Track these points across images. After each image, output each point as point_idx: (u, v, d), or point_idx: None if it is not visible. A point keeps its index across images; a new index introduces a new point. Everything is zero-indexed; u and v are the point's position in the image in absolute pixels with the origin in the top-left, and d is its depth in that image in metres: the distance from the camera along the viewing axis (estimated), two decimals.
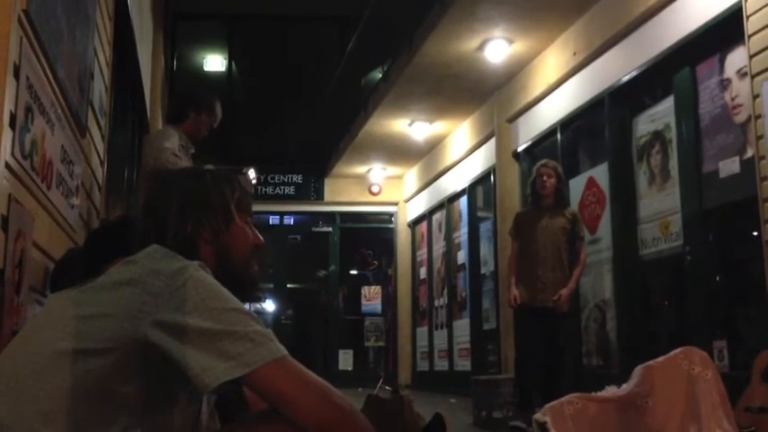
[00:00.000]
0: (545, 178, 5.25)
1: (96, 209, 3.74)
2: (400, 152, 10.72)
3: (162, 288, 1.23)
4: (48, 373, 1.21)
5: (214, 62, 13.80)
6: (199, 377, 1.18)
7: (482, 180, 9.35)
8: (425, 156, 10.94)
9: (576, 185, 6.77)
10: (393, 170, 11.87)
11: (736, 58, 4.76)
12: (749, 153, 4.60)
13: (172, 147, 3.76)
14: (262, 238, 1.53)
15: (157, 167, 3.69)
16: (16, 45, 2.02)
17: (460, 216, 10.19)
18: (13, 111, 2.00)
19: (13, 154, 2.02)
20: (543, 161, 5.57)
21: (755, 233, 4.44)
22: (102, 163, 3.91)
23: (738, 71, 4.74)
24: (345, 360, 12.17)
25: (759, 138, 4.27)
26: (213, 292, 1.25)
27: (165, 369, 1.21)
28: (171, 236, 1.40)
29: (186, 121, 3.99)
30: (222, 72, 13.57)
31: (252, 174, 4.01)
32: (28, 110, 2.15)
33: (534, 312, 5.18)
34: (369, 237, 13.14)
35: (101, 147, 3.85)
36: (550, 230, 5.20)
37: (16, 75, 2.02)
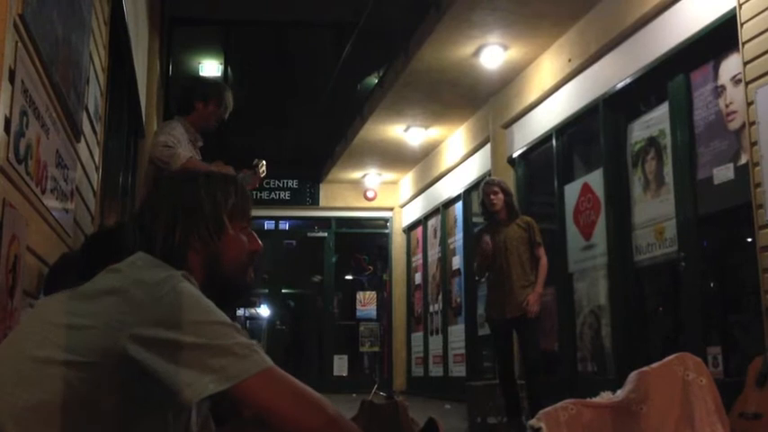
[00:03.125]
0: (492, 197, 5.49)
1: (91, 213, 3.73)
2: (396, 157, 10.73)
3: (143, 299, 1.21)
4: (27, 381, 1.19)
5: (210, 67, 13.79)
6: (182, 392, 1.17)
7: (477, 186, 9.35)
8: (421, 161, 10.95)
9: (571, 191, 6.79)
10: (388, 175, 11.88)
11: (731, 65, 4.78)
12: (743, 160, 4.62)
13: (165, 139, 3.61)
14: (260, 242, 1.49)
15: (155, 164, 3.61)
16: (11, 49, 2.01)
17: (456, 222, 10.19)
18: (8, 115, 2.00)
19: (7, 158, 2.02)
20: (487, 179, 5.87)
21: (749, 239, 4.45)
22: (96, 167, 3.90)
23: (733, 78, 4.76)
24: (340, 366, 12.15)
25: (753, 144, 4.28)
26: (196, 304, 1.22)
27: (147, 383, 1.19)
28: (159, 243, 1.37)
29: (193, 112, 3.83)
30: (218, 77, 13.56)
31: (263, 167, 3.94)
32: (23, 114, 2.15)
33: (507, 324, 5.38)
34: (364, 242, 13.13)
35: (96, 151, 3.84)
36: (509, 243, 5.39)
37: (11, 79, 2.01)
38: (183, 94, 4.01)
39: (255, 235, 1.49)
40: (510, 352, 5.49)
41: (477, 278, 6.03)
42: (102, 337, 1.19)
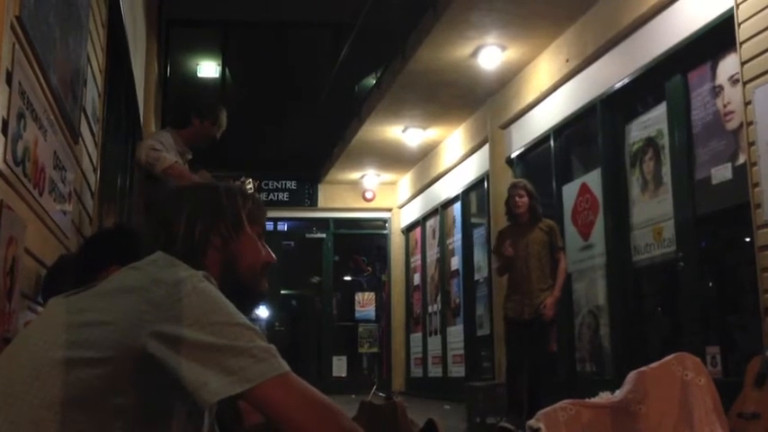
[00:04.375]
0: (517, 198, 5.58)
1: (89, 215, 3.73)
2: (394, 158, 10.74)
3: (163, 298, 1.21)
4: (42, 380, 1.19)
5: (208, 68, 13.79)
6: (198, 392, 1.16)
7: (475, 186, 9.37)
8: (419, 162, 10.95)
9: (570, 191, 6.79)
10: (387, 176, 11.89)
11: (728, 65, 4.78)
12: (741, 160, 4.62)
13: (153, 143, 3.73)
14: (274, 255, 1.50)
15: (142, 166, 3.70)
16: (8, 51, 2.01)
17: (454, 222, 10.20)
18: (6, 117, 2.00)
19: (5, 160, 2.02)
20: (514, 181, 6.01)
21: (748, 239, 4.46)
22: (94, 169, 3.90)
23: (730, 78, 4.77)
24: (339, 366, 12.15)
25: (751, 144, 4.29)
26: (216, 304, 1.22)
27: (163, 381, 1.19)
28: (179, 240, 1.38)
29: (188, 127, 3.92)
30: (216, 78, 13.56)
31: (249, 184, 3.97)
32: (20, 116, 2.14)
33: (523, 325, 5.47)
34: (363, 243, 13.14)
35: (93, 153, 3.84)
36: (530, 246, 5.49)
37: (8, 81, 2.01)
38: (181, 107, 4.09)
39: (269, 249, 1.50)
40: (522, 353, 5.54)
41: (498, 276, 6.27)
42: (120, 333, 1.19)
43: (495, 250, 5.82)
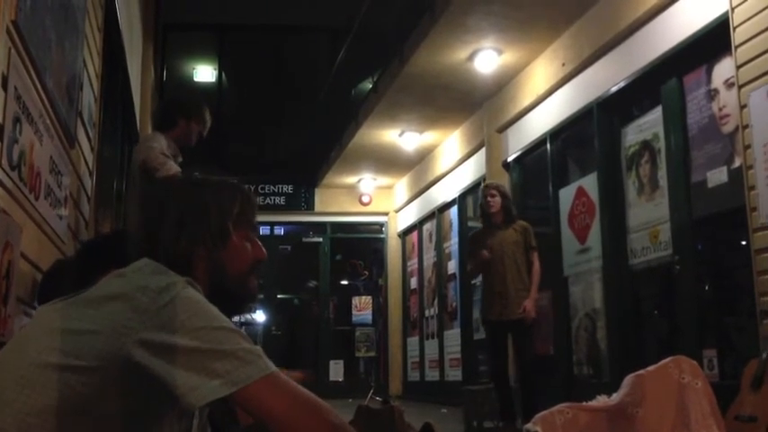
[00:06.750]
0: (489, 198, 5.59)
1: (85, 220, 3.72)
2: (390, 162, 10.74)
3: (148, 305, 1.21)
4: (31, 386, 1.19)
5: (204, 73, 13.80)
6: (185, 396, 1.16)
7: (472, 190, 9.37)
8: (416, 166, 10.96)
9: (566, 195, 6.80)
10: (383, 180, 11.89)
11: (724, 69, 4.80)
12: (737, 163, 4.63)
13: (160, 147, 3.71)
14: (264, 250, 1.48)
15: (146, 167, 3.65)
16: (4, 55, 2.01)
17: (451, 226, 10.20)
18: (1, 121, 2.00)
19: (0, 165, 2.01)
20: (486, 182, 6.05)
21: (744, 242, 4.47)
22: (90, 174, 3.89)
23: (726, 81, 4.78)
24: (336, 371, 12.14)
25: (746, 147, 4.30)
26: (200, 309, 1.22)
27: (151, 388, 1.19)
28: (163, 250, 1.37)
29: (175, 128, 3.91)
30: (212, 83, 13.57)
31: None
32: (16, 120, 2.14)
33: (503, 327, 5.45)
34: (359, 247, 13.14)
35: (90, 157, 3.84)
36: (504, 246, 5.47)
37: (4, 85, 2.01)
38: (166, 110, 4.07)
39: (260, 243, 1.49)
40: (504, 354, 5.54)
41: (470, 280, 6.23)
42: (106, 341, 1.19)
43: (471, 256, 5.78)
